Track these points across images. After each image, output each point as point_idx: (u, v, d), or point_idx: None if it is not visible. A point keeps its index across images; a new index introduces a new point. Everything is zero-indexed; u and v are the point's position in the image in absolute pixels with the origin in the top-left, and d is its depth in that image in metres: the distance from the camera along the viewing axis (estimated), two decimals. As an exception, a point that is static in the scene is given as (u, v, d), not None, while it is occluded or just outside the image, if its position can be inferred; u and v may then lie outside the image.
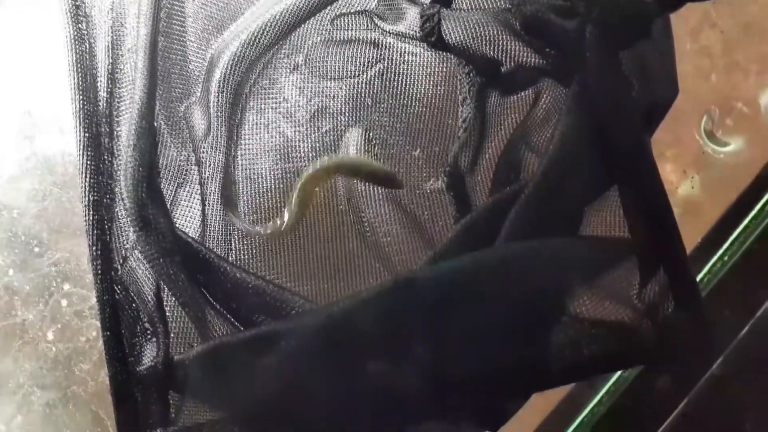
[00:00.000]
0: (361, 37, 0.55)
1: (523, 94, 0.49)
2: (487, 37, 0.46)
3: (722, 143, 0.69)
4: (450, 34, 0.48)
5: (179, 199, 0.51)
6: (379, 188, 0.53)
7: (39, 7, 0.70)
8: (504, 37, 0.46)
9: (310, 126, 0.54)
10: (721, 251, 0.67)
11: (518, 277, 0.41)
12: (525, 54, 0.46)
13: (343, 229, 0.53)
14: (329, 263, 0.53)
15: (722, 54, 0.70)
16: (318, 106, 0.55)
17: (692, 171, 0.69)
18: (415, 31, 0.52)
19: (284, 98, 0.55)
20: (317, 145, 0.54)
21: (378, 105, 0.54)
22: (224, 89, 0.52)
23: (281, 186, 0.53)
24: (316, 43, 0.55)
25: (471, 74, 0.52)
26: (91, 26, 0.51)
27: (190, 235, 0.47)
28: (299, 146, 0.54)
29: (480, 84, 0.51)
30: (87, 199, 0.47)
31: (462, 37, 0.48)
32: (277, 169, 0.54)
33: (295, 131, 0.54)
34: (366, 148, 0.53)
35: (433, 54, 0.54)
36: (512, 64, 0.47)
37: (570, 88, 0.44)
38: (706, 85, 0.70)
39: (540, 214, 0.41)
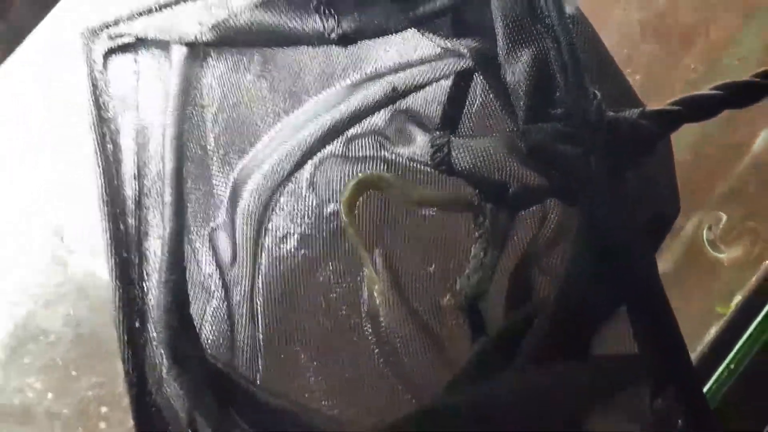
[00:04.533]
0: (373, 155, 0.58)
1: (530, 211, 0.51)
2: (495, 164, 0.49)
3: (721, 250, 0.71)
4: (459, 162, 0.51)
5: (207, 316, 0.54)
6: (401, 307, 0.55)
7: (66, 132, 0.73)
8: (510, 162, 0.49)
9: (330, 245, 0.57)
10: (727, 360, 0.68)
11: (535, 406, 0.42)
12: (531, 177, 0.48)
13: (366, 350, 0.56)
14: (354, 383, 0.55)
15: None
16: (336, 225, 0.58)
17: (693, 279, 0.71)
18: (425, 157, 0.55)
19: (303, 218, 0.58)
20: (338, 264, 0.57)
21: (394, 222, 0.57)
22: (249, 221, 0.55)
23: (304, 307, 0.56)
24: (331, 161, 0.59)
25: (480, 197, 0.55)
26: (118, 152, 0.54)
27: (219, 359, 0.49)
28: (319, 266, 0.57)
29: (489, 207, 0.54)
30: (120, 327, 0.49)
31: (470, 164, 0.50)
32: (301, 290, 0.57)
33: (315, 252, 0.57)
34: (384, 265, 0.56)
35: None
36: (518, 185, 0.49)
37: (576, 210, 0.46)
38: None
39: (554, 338, 0.43)
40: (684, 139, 0.71)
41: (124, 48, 0.55)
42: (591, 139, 0.45)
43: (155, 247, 0.51)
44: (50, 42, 0.75)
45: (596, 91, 0.45)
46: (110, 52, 0.55)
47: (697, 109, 0.45)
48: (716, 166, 0.74)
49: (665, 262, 0.71)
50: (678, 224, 0.49)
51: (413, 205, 0.58)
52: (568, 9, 0.48)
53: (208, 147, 0.55)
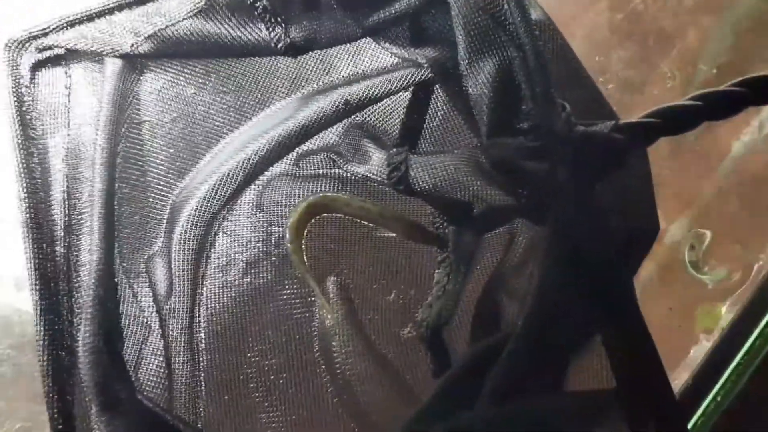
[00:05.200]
0: (326, 173, 0.54)
1: (497, 233, 0.48)
2: (457, 183, 0.45)
3: (705, 272, 0.68)
4: (418, 181, 0.48)
5: (144, 356, 0.49)
6: (357, 340, 0.51)
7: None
8: (474, 180, 0.45)
9: (279, 273, 0.53)
10: (714, 391, 0.65)
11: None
12: (497, 196, 0.45)
13: (319, 387, 0.51)
14: (306, 425, 0.50)
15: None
16: (286, 251, 0.53)
17: (677, 306, 0.68)
18: (382, 176, 0.51)
19: (249, 243, 0.54)
20: (288, 294, 0.53)
21: (350, 247, 0.53)
22: (186, 248, 0.51)
23: (251, 342, 0.52)
24: (280, 180, 0.55)
25: (442, 219, 0.51)
26: (46, 173, 0.49)
27: (156, 402, 0.45)
28: (268, 296, 0.53)
29: (452, 229, 0.50)
30: (46, 368, 0.44)
31: (430, 183, 0.47)
32: (247, 323, 0.52)
33: (262, 280, 0.53)
34: (339, 293, 0.52)
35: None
36: (483, 205, 0.46)
37: (545, 228, 0.42)
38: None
39: (523, 370, 0.40)
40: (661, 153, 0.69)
41: (55, 60, 0.51)
42: (559, 153, 0.41)
43: (85, 277, 0.47)
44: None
45: (565, 103, 0.43)
46: (39, 65, 0.51)
47: (674, 121, 0.42)
48: (697, 181, 0.72)
49: (644, 284, 0.68)
50: (656, 245, 0.46)
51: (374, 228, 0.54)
52: (534, 15, 0.46)
53: (146, 167, 0.51)
